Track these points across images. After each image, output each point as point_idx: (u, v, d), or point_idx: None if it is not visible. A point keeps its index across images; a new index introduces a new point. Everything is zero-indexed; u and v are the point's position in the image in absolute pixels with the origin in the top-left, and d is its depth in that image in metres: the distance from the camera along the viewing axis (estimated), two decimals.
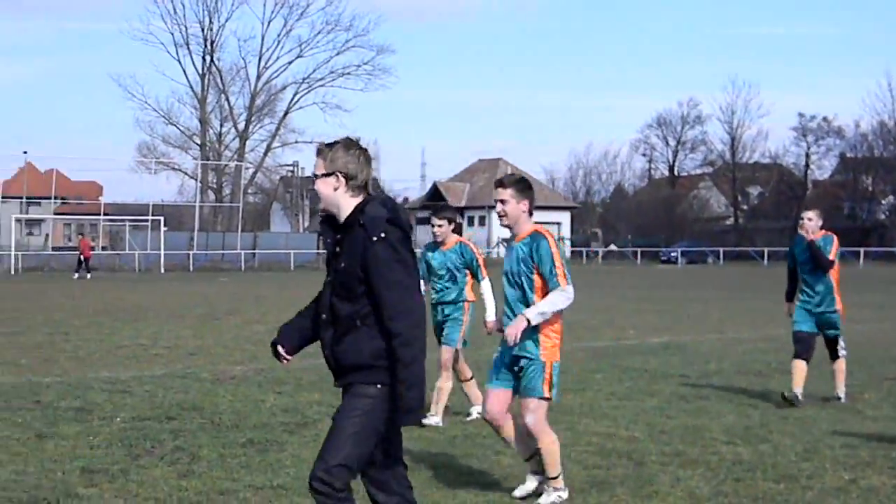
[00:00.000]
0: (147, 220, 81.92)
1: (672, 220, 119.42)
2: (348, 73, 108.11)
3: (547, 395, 9.06)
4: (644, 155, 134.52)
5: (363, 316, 6.34)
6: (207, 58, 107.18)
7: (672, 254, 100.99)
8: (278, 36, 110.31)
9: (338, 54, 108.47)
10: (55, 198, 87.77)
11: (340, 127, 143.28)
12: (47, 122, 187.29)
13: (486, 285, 12.60)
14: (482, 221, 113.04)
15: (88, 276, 61.30)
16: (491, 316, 11.92)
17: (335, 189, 6.45)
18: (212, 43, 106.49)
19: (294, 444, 11.45)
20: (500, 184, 9.14)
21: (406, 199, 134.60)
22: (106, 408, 13.82)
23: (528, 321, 8.87)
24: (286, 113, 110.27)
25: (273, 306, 34.31)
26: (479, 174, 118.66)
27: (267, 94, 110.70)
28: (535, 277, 9.01)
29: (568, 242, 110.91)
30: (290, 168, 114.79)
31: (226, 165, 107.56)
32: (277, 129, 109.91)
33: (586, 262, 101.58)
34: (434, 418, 12.84)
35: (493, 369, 9.32)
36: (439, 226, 12.71)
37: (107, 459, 10.71)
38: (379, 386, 6.33)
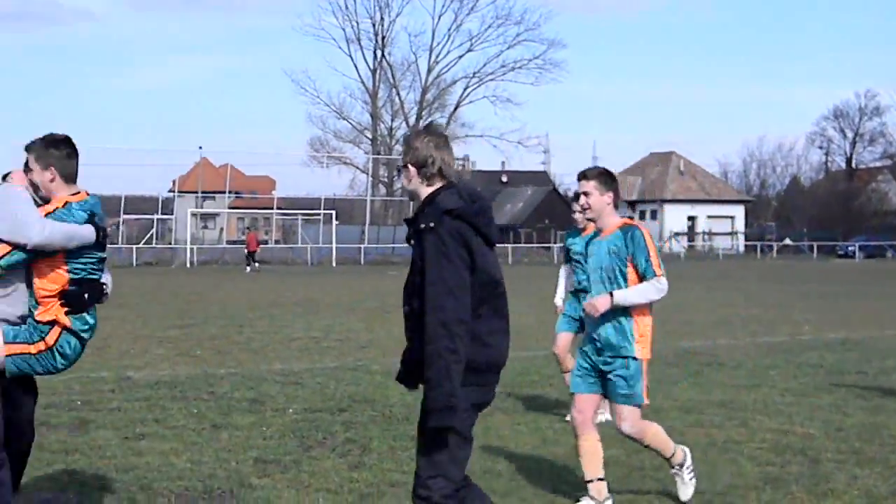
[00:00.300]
0: (319, 214, 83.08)
1: (849, 214, 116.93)
2: (519, 68, 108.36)
3: (647, 401, 8.75)
4: (820, 147, 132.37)
5: None
6: (378, 53, 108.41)
7: (849, 248, 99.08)
8: (448, 30, 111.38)
9: (508, 48, 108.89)
10: (229, 192, 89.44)
11: (512, 120, 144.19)
12: (222, 117, 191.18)
13: None
14: (654, 215, 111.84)
15: (257, 265, 62.55)
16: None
17: (410, 180, 6.20)
18: (383, 38, 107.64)
19: None
20: (584, 176, 8.83)
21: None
22: (279, 399, 14.01)
23: (612, 301, 8.51)
24: (457, 107, 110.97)
25: None
26: (651, 167, 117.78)
27: (437, 88, 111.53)
28: (629, 270, 8.64)
29: (741, 237, 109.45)
30: (461, 162, 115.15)
31: (397, 160, 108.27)
32: (448, 123, 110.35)
33: (760, 256, 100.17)
34: (602, 416, 12.70)
35: (577, 373, 8.88)
36: (580, 212, 12.54)
37: (279, 450, 10.85)
38: None
